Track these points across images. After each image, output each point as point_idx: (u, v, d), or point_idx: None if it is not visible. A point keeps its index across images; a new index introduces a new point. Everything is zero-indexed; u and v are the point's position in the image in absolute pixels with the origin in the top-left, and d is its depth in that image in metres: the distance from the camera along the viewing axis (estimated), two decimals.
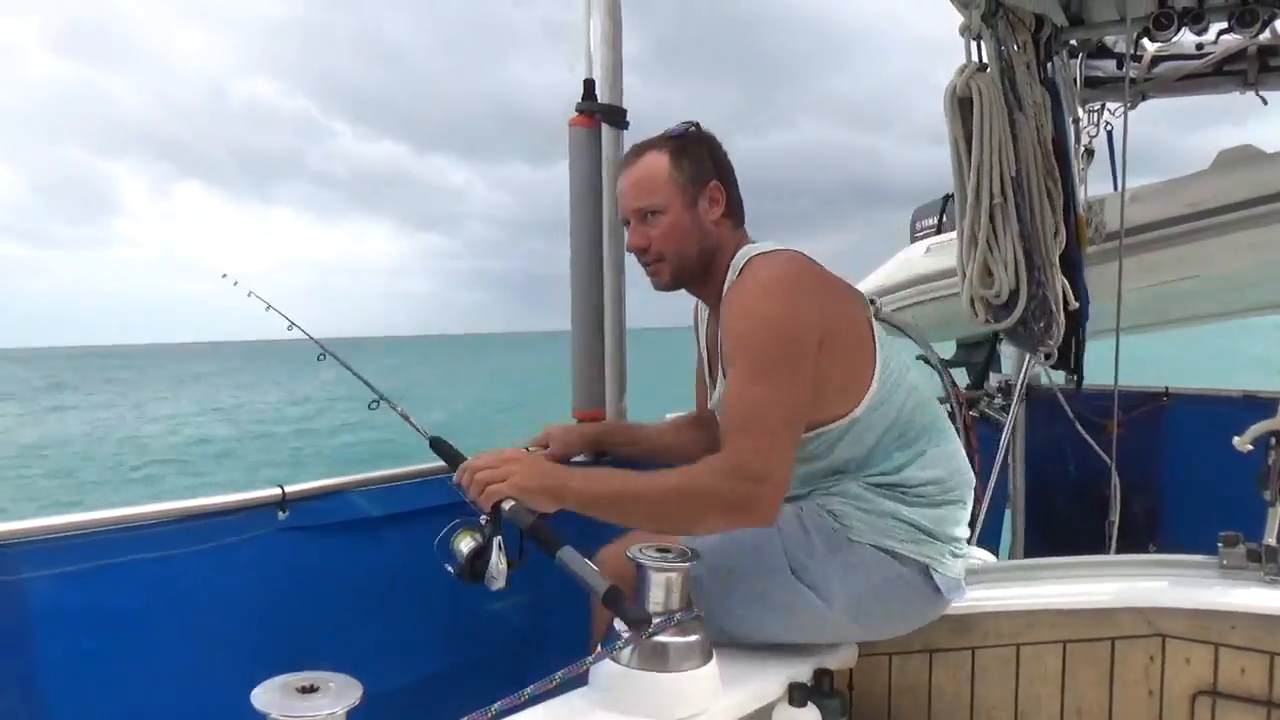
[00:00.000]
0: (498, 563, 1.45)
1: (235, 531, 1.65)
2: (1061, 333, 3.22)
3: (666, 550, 1.46)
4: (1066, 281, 3.26)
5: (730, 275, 1.71)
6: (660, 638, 1.44)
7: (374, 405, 1.83)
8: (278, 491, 1.70)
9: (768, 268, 1.65)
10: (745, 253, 1.71)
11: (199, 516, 1.62)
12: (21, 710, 1.45)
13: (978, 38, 3.08)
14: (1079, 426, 3.55)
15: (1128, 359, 3.44)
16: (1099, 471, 3.45)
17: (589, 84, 2.24)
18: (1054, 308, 3.16)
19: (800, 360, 1.56)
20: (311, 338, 1.93)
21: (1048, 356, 3.29)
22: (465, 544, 1.48)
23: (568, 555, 1.39)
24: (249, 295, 2.02)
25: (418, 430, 1.74)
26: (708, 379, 1.93)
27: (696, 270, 1.76)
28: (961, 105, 3.03)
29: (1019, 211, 3.03)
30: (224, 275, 2.07)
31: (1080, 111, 3.83)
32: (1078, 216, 3.45)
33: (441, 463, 1.84)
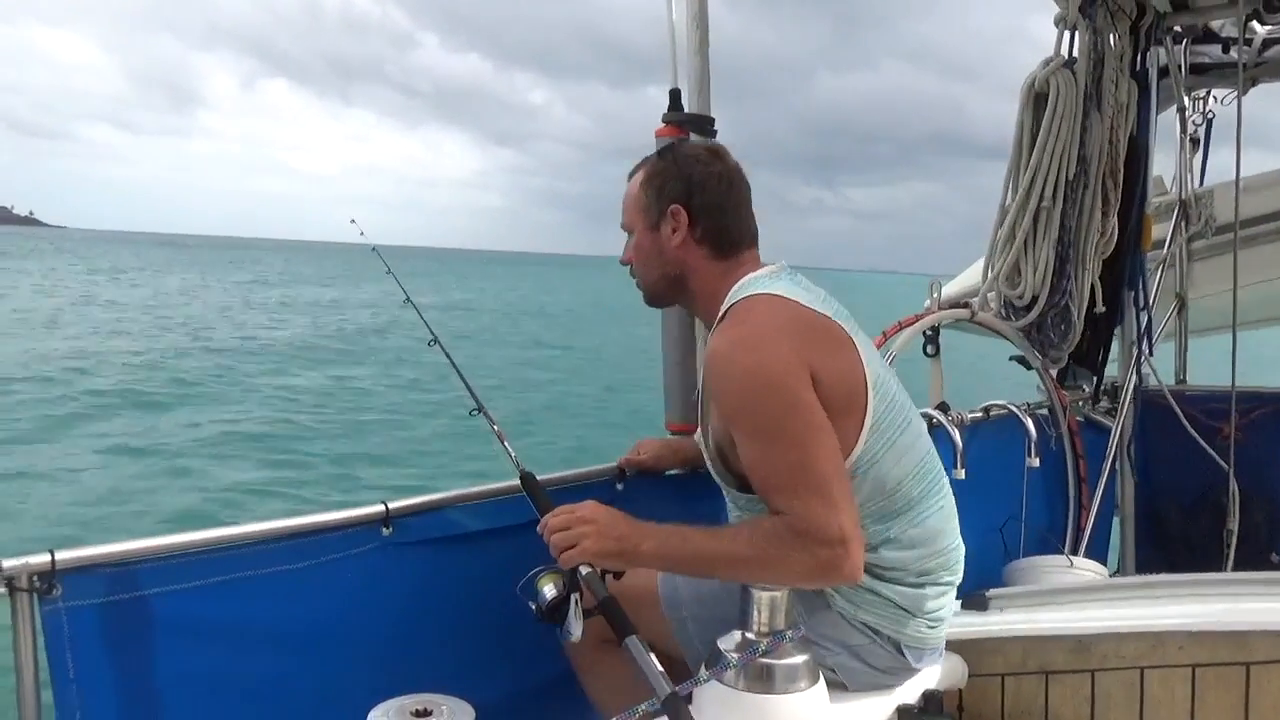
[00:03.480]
0: (574, 617, 1.50)
1: (341, 548, 1.68)
2: (1076, 340, 3.13)
3: None
4: (1100, 285, 3.15)
5: (722, 310, 1.65)
6: (766, 659, 1.41)
7: (474, 413, 1.85)
8: (381, 508, 1.72)
9: (744, 318, 1.59)
10: (738, 290, 1.64)
11: (305, 534, 1.65)
12: None
13: (1073, 29, 2.97)
14: (1191, 430, 3.37)
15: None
16: (1215, 478, 3.26)
17: (675, 94, 2.22)
18: (1074, 317, 3.06)
19: (799, 403, 1.49)
20: (428, 325, 1.98)
21: (1056, 363, 3.20)
22: (549, 589, 1.53)
23: (633, 646, 1.42)
24: (373, 249, 2.17)
25: (511, 457, 1.76)
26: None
27: (666, 291, 1.76)
28: (1036, 100, 2.92)
29: (1064, 219, 2.93)
30: (352, 221, 2.17)
31: (1186, 100, 3.65)
32: (1144, 217, 3.31)
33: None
